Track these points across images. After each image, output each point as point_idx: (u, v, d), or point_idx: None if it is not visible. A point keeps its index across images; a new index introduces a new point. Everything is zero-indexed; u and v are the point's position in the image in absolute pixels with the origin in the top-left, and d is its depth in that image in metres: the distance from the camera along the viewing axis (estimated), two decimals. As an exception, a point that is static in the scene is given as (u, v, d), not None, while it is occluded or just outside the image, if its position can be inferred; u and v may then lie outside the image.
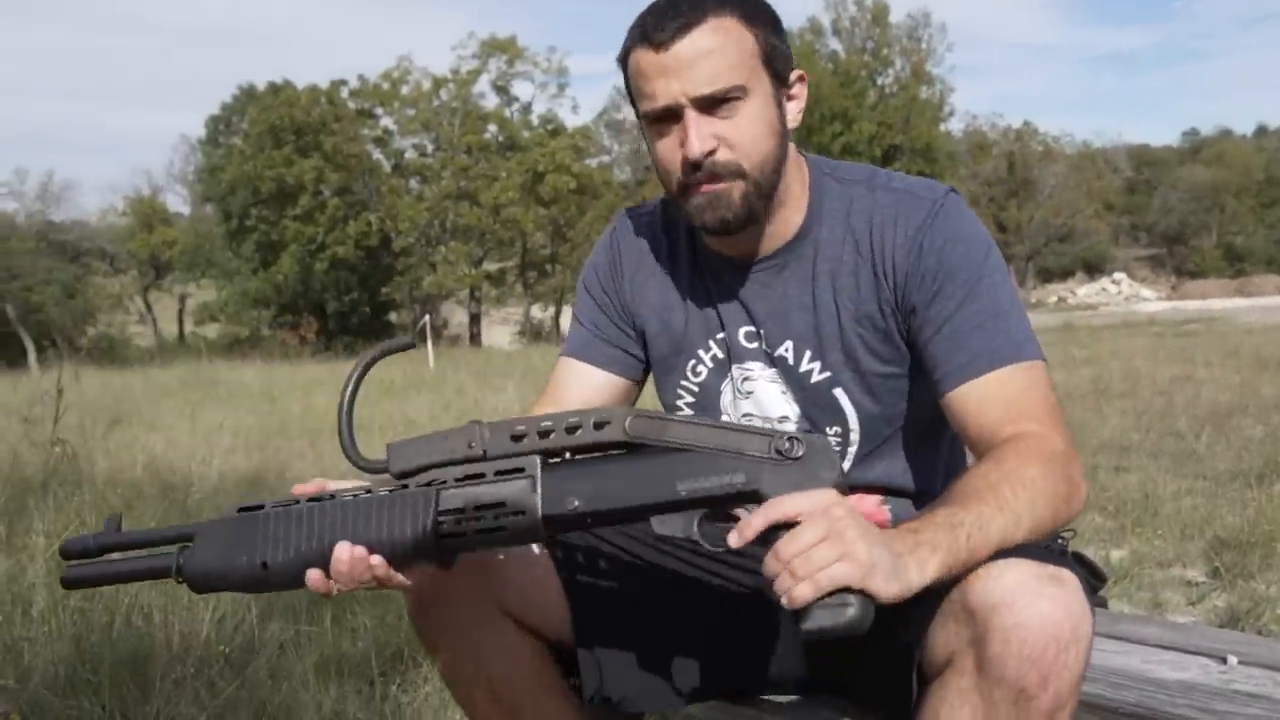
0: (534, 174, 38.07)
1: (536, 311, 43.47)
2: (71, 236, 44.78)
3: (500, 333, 41.49)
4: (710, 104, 1.50)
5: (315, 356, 23.81)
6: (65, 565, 1.44)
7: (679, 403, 1.75)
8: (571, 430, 1.33)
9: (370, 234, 37.98)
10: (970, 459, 1.75)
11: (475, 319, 40.74)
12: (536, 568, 1.60)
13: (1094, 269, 58.74)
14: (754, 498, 1.28)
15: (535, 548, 1.60)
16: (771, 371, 1.67)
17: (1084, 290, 54.33)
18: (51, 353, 29.54)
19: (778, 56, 1.55)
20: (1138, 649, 1.74)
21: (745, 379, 1.69)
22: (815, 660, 1.62)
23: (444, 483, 1.35)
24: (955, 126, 51.18)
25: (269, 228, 38.05)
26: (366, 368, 1.43)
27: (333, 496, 1.38)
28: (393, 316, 40.86)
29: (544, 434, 1.33)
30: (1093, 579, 1.64)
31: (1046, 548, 1.37)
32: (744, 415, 1.70)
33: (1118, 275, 56.60)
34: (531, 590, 1.59)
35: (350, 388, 1.42)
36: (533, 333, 39.92)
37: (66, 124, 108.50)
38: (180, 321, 45.81)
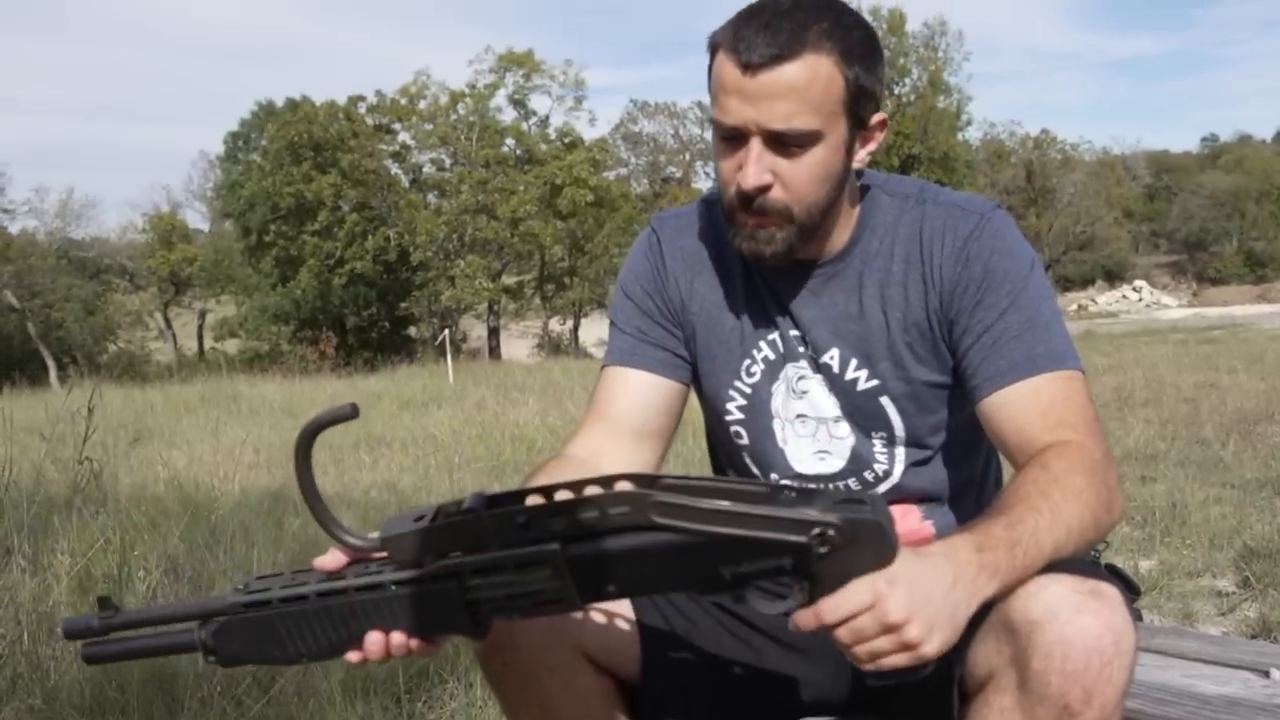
0: (551, 187, 38.13)
1: (555, 325, 43.51)
2: (91, 253, 45.04)
3: (519, 346, 41.51)
4: (778, 140, 1.48)
5: (335, 371, 23.82)
6: (84, 643, 1.35)
7: (730, 405, 1.71)
8: (587, 513, 1.19)
9: (388, 249, 38.08)
10: (1004, 465, 1.75)
11: (494, 332, 40.81)
12: (616, 604, 1.57)
13: (1114, 276, 58.50)
14: (803, 575, 1.21)
15: None
16: (819, 376, 1.66)
17: (1104, 298, 54.13)
18: (72, 370, 29.67)
19: (864, 100, 1.52)
20: (1177, 663, 1.72)
21: (800, 378, 1.67)
22: (857, 683, 1.61)
23: (464, 574, 1.23)
24: (973, 135, 51.11)
25: (288, 243, 38.18)
26: (308, 443, 1.26)
27: (344, 591, 1.27)
28: (412, 331, 40.94)
29: (555, 513, 1.20)
30: (1127, 592, 1.63)
31: (1085, 561, 1.36)
32: (797, 416, 1.67)
33: (1138, 282, 56.41)
34: (611, 629, 1.56)
35: (301, 468, 1.27)
36: (551, 346, 39.95)
37: (86, 141, 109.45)
38: (200, 337, 45.99)
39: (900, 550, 1.17)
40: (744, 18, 1.50)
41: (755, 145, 1.48)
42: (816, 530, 1.15)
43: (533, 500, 1.22)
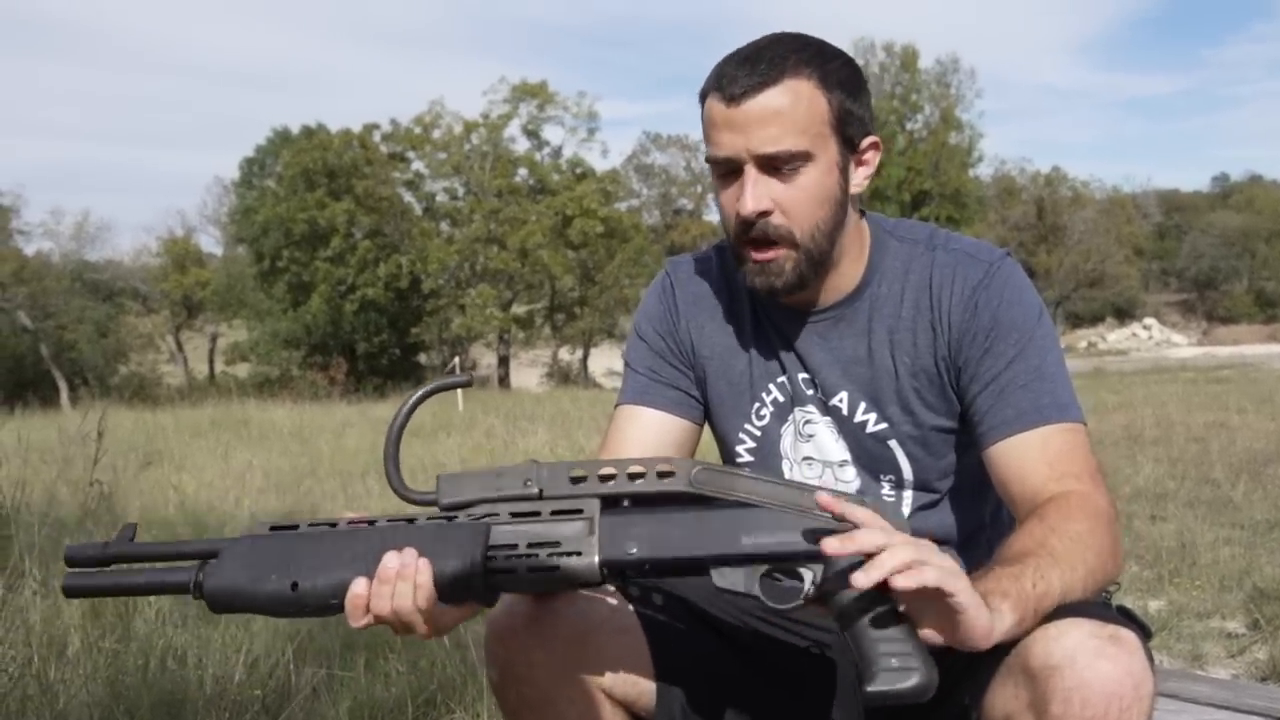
0: (563, 217, 38.22)
1: (564, 354, 43.53)
2: (105, 276, 45.13)
3: (528, 375, 41.53)
4: (771, 164, 1.51)
5: (344, 398, 23.83)
6: (67, 572, 1.34)
7: (740, 448, 1.74)
8: (634, 477, 1.28)
9: (400, 276, 38.14)
10: (1007, 509, 1.76)
11: (504, 361, 40.80)
12: (628, 636, 1.59)
13: (1124, 314, 58.41)
14: (819, 558, 1.24)
15: (626, 615, 1.58)
16: (826, 419, 1.68)
17: (1114, 335, 54.06)
18: (84, 391, 29.71)
19: (851, 122, 1.56)
20: (1190, 708, 1.71)
21: (807, 421, 1.69)
22: None
23: (496, 516, 1.30)
24: (984, 172, 51.19)
25: (300, 269, 38.28)
26: (421, 400, 1.36)
27: (373, 523, 1.32)
28: (422, 358, 40.96)
29: (605, 479, 1.29)
30: (1142, 635, 1.63)
31: (1100, 604, 1.37)
32: (804, 458, 1.70)
33: (1148, 320, 56.33)
34: (626, 662, 1.57)
35: (400, 418, 1.35)
36: (560, 375, 39.96)
37: (102, 165, 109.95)
38: (211, 361, 46.07)
39: None
40: (725, 61, 1.56)
41: (750, 172, 1.52)
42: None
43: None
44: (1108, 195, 55.21)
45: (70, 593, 1.34)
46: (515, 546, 1.27)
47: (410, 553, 1.25)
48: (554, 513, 1.28)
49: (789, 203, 1.53)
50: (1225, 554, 5.27)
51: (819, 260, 1.58)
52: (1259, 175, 72.69)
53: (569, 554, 1.26)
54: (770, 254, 1.55)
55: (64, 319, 38.31)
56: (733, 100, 1.50)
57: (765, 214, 1.53)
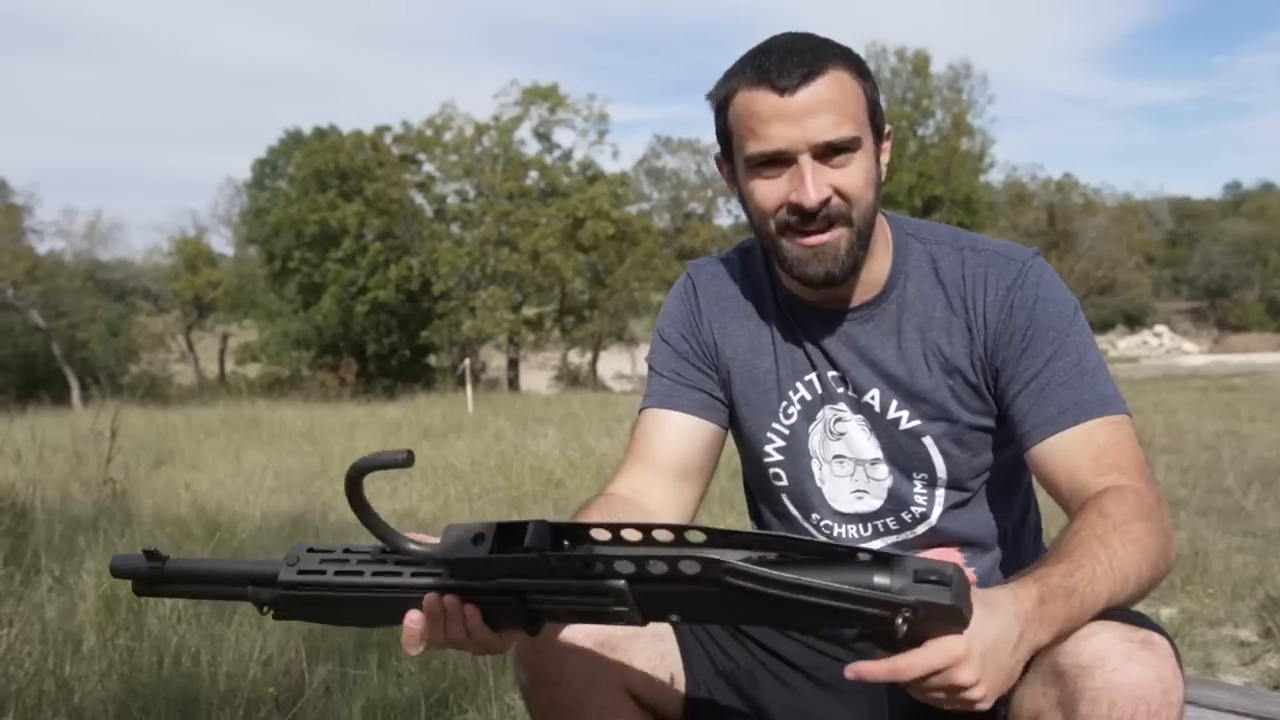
0: (573, 220, 38.24)
1: (574, 357, 43.56)
2: (117, 275, 45.33)
3: (538, 377, 41.56)
4: (827, 153, 1.52)
5: (354, 398, 23.89)
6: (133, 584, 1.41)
7: (768, 447, 1.73)
8: (656, 567, 1.14)
9: (411, 278, 38.21)
10: (1043, 511, 1.76)
11: (513, 363, 40.85)
12: (660, 642, 1.59)
13: (1135, 322, 58.33)
14: (874, 641, 1.18)
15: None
16: (859, 417, 1.68)
17: (1125, 343, 53.97)
18: (95, 390, 29.80)
19: (878, 111, 1.59)
20: (1210, 714, 1.71)
21: (838, 419, 1.69)
22: None
23: (529, 594, 1.22)
24: (995, 178, 51.10)
25: (311, 270, 38.38)
26: (355, 483, 1.21)
27: (399, 587, 1.27)
28: (431, 359, 41.03)
29: (625, 560, 1.15)
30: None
31: (1133, 609, 1.37)
32: (835, 456, 1.69)
33: (1159, 328, 56.24)
34: (655, 669, 1.58)
35: (355, 503, 1.22)
36: (570, 378, 39.99)
37: (115, 165, 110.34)
38: (221, 361, 46.18)
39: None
40: (758, 55, 1.56)
41: (807, 162, 1.52)
42: (892, 614, 1.12)
43: (599, 535, 1.21)
44: (1119, 202, 55.26)
45: (142, 594, 1.41)
46: (556, 613, 1.25)
47: (452, 599, 1.24)
48: (582, 593, 1.20)
49: (846, 187, 1.54)
50: (1237, 562, 5.26)
51: (865, 243, 1.59)
52: (1271, 183, 72.61)
53: (612, 619, 1.22)
54: (826, 236, 1.55)
55: (76, 318, 38.47)
56: (785, 91, 1.50)
57: (825, 201, 1.53)
